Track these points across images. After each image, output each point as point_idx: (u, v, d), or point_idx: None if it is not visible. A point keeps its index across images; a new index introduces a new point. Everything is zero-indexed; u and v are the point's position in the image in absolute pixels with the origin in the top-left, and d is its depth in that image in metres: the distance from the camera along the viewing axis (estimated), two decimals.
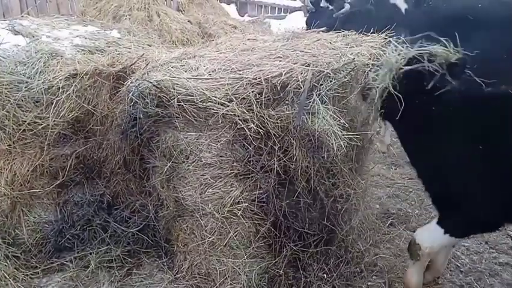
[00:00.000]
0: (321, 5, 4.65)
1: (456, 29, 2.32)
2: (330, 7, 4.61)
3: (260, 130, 2.58)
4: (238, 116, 2.55)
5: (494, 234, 3.61)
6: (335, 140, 2.45)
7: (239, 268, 2.86)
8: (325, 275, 2.96)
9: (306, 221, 2.84)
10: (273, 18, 9.41)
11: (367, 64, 2.60)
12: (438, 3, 4.30)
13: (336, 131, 2.48)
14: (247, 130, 2.56)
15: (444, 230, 2.56)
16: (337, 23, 4.27)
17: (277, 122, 2.60)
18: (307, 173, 2.64)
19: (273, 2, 9.92)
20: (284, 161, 2.66)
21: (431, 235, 2.65)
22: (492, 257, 3.42)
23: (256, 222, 2.83)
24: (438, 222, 2.60)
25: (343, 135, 2.48)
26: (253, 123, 2.55)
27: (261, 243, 2.89)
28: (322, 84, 2.58)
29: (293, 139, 2.59)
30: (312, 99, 2.54)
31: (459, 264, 3.32)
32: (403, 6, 4.39)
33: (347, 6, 4.61)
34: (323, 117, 2.51)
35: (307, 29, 4.72)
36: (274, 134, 2.60)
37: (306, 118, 2.53)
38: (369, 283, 3.06)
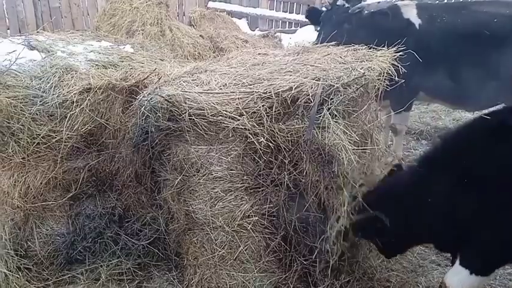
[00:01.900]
0: (338, 3, 4.70)
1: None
2: (347, 5, 4.66)
3: (270, 144, 2.59)
4: (249, 130, 2.56)
5: None
6: (345, 154, 2.44)
7: (249, 282, 2.85)
8: None
9: (317, 235, 2.82)
10: (283, 32, 9.47)
11: (378, 79, 2.61)
12: (451, 19, 4.32)
13: (346, 145, 2.48)
14: (257, 144, 2.57)
15: (470, 270, 2.43)
16: (352, 26, 4.37)
17: (288, 136, 2.61)
18: (318, 187, 2.64)
19: (284, 17, 9.99)
20: (294, 175, 2.66)
21: (458, 278, 2.48)
22: (506, 273, 3.34)
23: (266, 236, 2.82)
24: (460, 263, 2.47)
25: (353, 149, 2.48)
26: (264, 137, 2.56)
27: (271, 257, 2.87)
28: (332, 99, 2.59)
29: (303, 153, 2.59)
30: (323, 114, 2.55)
31: None
32: (417, 22, 4.40)
33: (364, 3, 4.67)
34: (333, 131, 2.51)
35: (321, 25, 4.81)
36: (284, 148, 2.61)
37: (316, 132, 2.54)
38: None
